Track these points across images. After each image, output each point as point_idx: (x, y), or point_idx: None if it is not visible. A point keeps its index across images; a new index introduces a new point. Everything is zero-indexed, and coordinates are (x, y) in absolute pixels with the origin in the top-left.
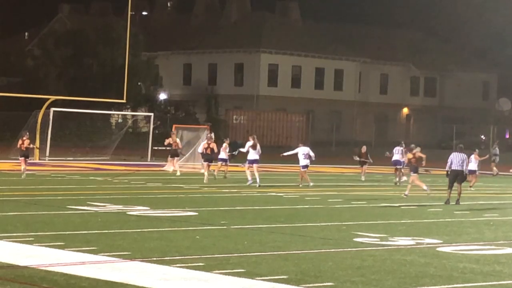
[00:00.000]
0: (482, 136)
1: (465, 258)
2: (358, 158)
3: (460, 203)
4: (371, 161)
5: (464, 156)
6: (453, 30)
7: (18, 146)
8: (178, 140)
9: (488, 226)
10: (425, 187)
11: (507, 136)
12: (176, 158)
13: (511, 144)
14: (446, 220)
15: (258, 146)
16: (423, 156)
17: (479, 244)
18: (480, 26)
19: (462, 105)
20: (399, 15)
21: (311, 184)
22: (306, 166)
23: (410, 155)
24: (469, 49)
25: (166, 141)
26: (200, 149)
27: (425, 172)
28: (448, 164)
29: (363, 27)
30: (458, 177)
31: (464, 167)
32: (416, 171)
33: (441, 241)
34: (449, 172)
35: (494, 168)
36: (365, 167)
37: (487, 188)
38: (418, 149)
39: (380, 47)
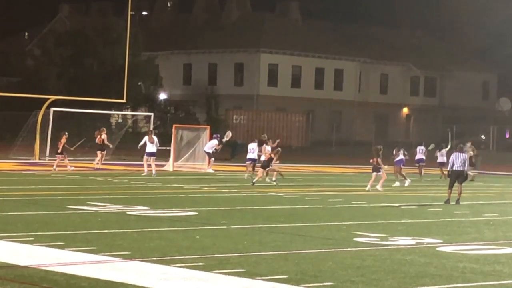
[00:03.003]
0: (482, 136)
1: (465, 257)
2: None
3: (460, 203)
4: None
5: (465, 156)
6: (453, 30)
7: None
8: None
9: (488, 226)
10: (267, 179)
11: (507, 136)
12: (102, 152)
13: (511, 144)
14: (446, 220)
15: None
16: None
17: (479, 244)
18: (480, 26)
19: (462, 105)
20: (399, 15)
21: (246, 177)
22: (250, 160)
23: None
24: (469, 49)
25: (99, 140)
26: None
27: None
28: (450, 164)
29: (363, 27)
30: (459, 177)
31: (466, 167)
32: (267, 167)
33: (441, 241)
34: (450, 172)
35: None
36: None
37: (487, 188)
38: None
39: (380, 47)
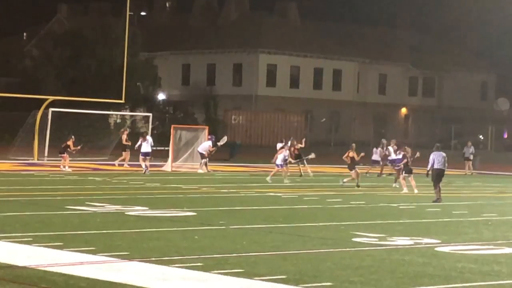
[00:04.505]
0: (481, 136)
1: (463, 258)
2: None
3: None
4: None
5: (444, 154)
6: (451, 30)
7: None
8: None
9: (486, 226)
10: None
11: (505, 136)
12: (125, 152)
13: (510, 144)
14: (445, 220)
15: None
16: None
17: (478, 244)
18: (479, 26)
19: (460, 105)
20: (397, 15)
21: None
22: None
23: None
24: (467, 50)
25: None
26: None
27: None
28: (430, 163)
29: (362, 27)
30: (439, 176)
31: (446, 166)
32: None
33: (440, 241)
34: (430, 172)
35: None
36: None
37: (485, 188)
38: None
39: (378, 47)
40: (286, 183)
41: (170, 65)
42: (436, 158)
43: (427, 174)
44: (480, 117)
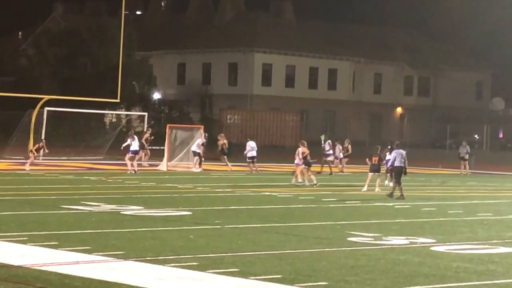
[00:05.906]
0: (476, 136)
1: (458, 257)
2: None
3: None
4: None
5: (404, 153)
6: (447, 30)
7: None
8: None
9: (481, 225)
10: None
11: (501, 136)
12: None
13: (505, 143)
14: (440, 219)
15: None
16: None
17: (473, 243)
18: (474, 26)
19: (455, 104)
20: (393, 14)
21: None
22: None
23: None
24: (463, 49)
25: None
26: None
27: None
28: (391, 161)
29: (357, 27)
30: (400, 173)
31: (406, 164)
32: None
33: (435, 241)
34: (391, 169)
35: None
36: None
37: (481, 187)
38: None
39: (373, 47)
40: (299, 182)
41: (165, 64)
42: (397, 157)
43: (391, 172)
44: (475, 116)
